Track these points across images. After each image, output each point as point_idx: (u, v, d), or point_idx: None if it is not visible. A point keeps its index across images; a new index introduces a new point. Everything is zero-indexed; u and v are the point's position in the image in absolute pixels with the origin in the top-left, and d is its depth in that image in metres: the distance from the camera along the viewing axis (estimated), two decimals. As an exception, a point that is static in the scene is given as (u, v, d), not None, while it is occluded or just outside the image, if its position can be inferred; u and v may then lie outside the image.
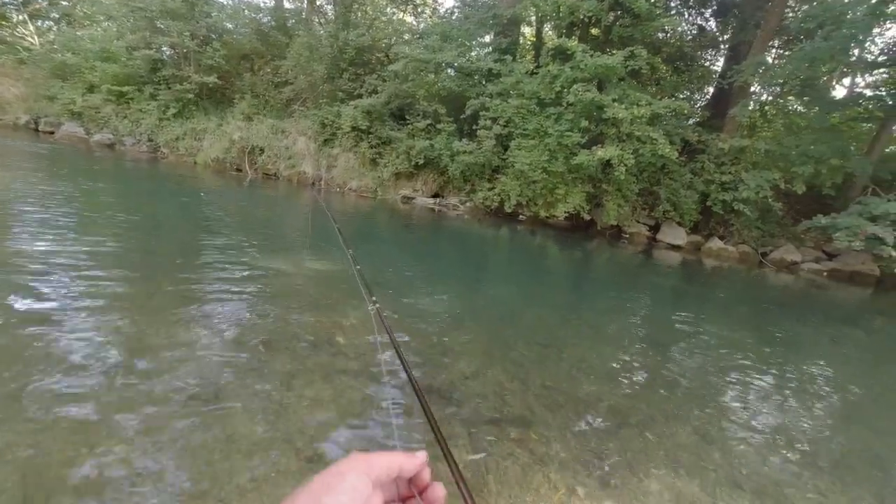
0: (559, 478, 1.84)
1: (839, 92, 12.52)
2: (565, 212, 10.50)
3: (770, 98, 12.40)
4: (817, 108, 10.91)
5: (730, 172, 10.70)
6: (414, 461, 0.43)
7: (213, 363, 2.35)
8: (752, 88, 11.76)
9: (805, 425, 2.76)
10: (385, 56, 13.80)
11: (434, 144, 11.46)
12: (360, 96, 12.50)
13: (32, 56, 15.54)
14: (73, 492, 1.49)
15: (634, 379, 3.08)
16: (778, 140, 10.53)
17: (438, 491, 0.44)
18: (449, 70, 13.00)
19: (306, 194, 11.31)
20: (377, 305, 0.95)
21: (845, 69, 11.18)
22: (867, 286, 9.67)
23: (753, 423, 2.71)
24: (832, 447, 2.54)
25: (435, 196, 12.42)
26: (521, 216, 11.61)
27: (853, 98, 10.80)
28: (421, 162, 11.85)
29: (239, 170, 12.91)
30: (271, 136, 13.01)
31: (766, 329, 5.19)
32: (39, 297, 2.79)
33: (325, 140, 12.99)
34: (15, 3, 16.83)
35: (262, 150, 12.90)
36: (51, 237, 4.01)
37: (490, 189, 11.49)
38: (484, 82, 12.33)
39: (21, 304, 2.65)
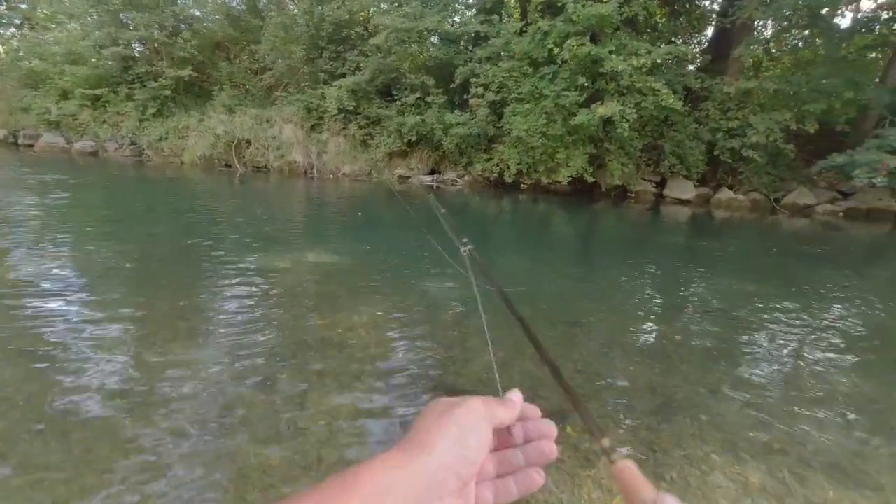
0: (611, 480, 1.63)
1: (843, 22, 11.79)
2: (568, 176, 10.11)
3: (774, 34, 11.70)
4: (825, 39, 10.30)
5: (737, 118, 10.20)
6: (515, 411, 0.38)
7: (219, 384, 2.13)
8: (756, 24, 11.08)
9: (859, 383, 2.55)
10: (365, 30, 13.10)
11: (425, 119, 10.98)
12: (343, 76, 11.92)
13: (-1, 66, 14.92)
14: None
15: (668, 352, 2.86)
16: (786, 78, 9.97)
17: (546, 447, 0.38)
18: (433, 38, 12.34)
19: (300, 184, 10.95)
20: (469, 247, 0.73)
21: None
22: (886, 222, 9.36)
23: (801, 387, 2.50)
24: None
25: (431, 173, 12.03)
26: (522, 185, 11.24)
27: (865, 24, 10.14)
28: (413, 139, 11.40)
29: (228, 165, 12.51)
30: (256, 126, 12.52)
31: (789, 279, 4.95)
32: (46, 318, 2.58)
33: (313, 125, 12.51)
34: (-29, 11, 16.02)
35: (248, 142, 12.45)
36: (44, 257, 3.77)
37: (488, 160, 11.09)
38: (471, 48, 11.72)
39: (29, 325, 2.43)
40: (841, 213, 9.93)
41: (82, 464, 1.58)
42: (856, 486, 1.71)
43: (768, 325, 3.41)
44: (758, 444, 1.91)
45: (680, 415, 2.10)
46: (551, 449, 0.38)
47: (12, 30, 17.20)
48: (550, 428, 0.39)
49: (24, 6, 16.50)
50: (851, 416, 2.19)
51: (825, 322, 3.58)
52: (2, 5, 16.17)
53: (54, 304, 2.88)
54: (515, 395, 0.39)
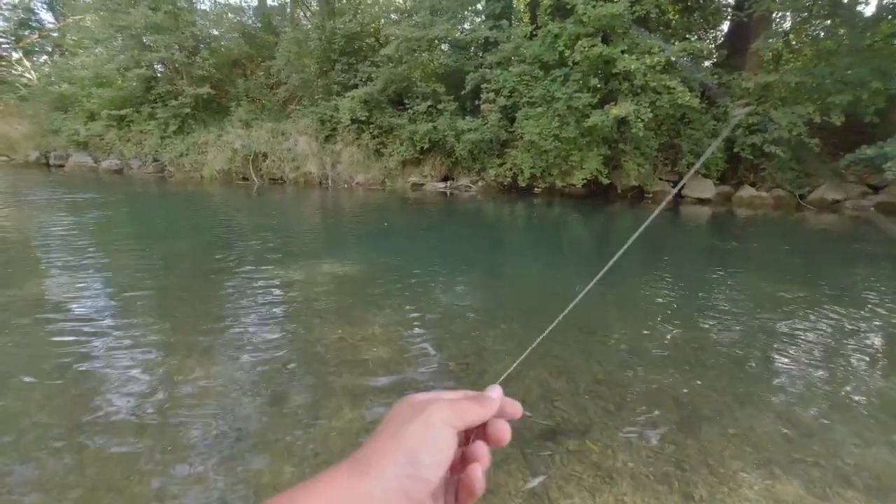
0: (636, 499, 1.57)
1: (867, 10, 11.36)
2: (583, 179, 9.97)
3: (794, 25, 11.35)
4: (848, 28, 9.92)
5: (757, 113, 9.88)
6: (491, 409, 0.36)
7: (237, 397, 2.15)
8: (774, 16, 10.77)
9: (902, 391, 2.40)
10: (375, 41, 13.28)
11: (437, 126, 11.02)
12: (355, 87, 12.08)
13: (32, 92, 15.68)
14: None
15: (693, 359, 2.76)
16: (809, 70, 9.63)
17: (502, 433, 0.37)
18: (443, 46, 12.42)
19: (316, 195, 11.11)
20: (744, 110, 0.62)
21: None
22: (922, 217, 8.90)
23: (836, 396, 2.36)
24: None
25: (445, 179, 12.05)
26: (536, 189, 11.14)
27: (891, 10, 9.73)
28: (426, 146, 11.45)
29: (245, 178, 12.81)
30: (272, 139, 12.80)
31: (820, 278, 4.73)
32: (70, 336, 2.66)
33: (327, 137, 12.71)
34: (8, 40, 16.91)
35: (265, 155, 12.73)
36: (73, 275, 3.91)
37: (501, 165, 11.05)
38: (481, 53, 11.73)
39: (58, 340, 2.52)
40: (872, 208, 9.49)
41: (96, 483, 1.60)
42: (902, 505, 1.59)
43: (798, 329, 3.26)
44: (791, 459, 1.80)
45: (707, 427, 2.00)
46: (483, 452, 0.36)
47: (44, 57, 18.11)
48: (503, 431, 0.37)
49: (55, 34, 17.33)
50: (893, 426, 2.06)
51: (861, 325, 3.40)
52: (34, 35, 17.04)
53: (79, 322, 2.97)
54: (495, 392, 0.38)
